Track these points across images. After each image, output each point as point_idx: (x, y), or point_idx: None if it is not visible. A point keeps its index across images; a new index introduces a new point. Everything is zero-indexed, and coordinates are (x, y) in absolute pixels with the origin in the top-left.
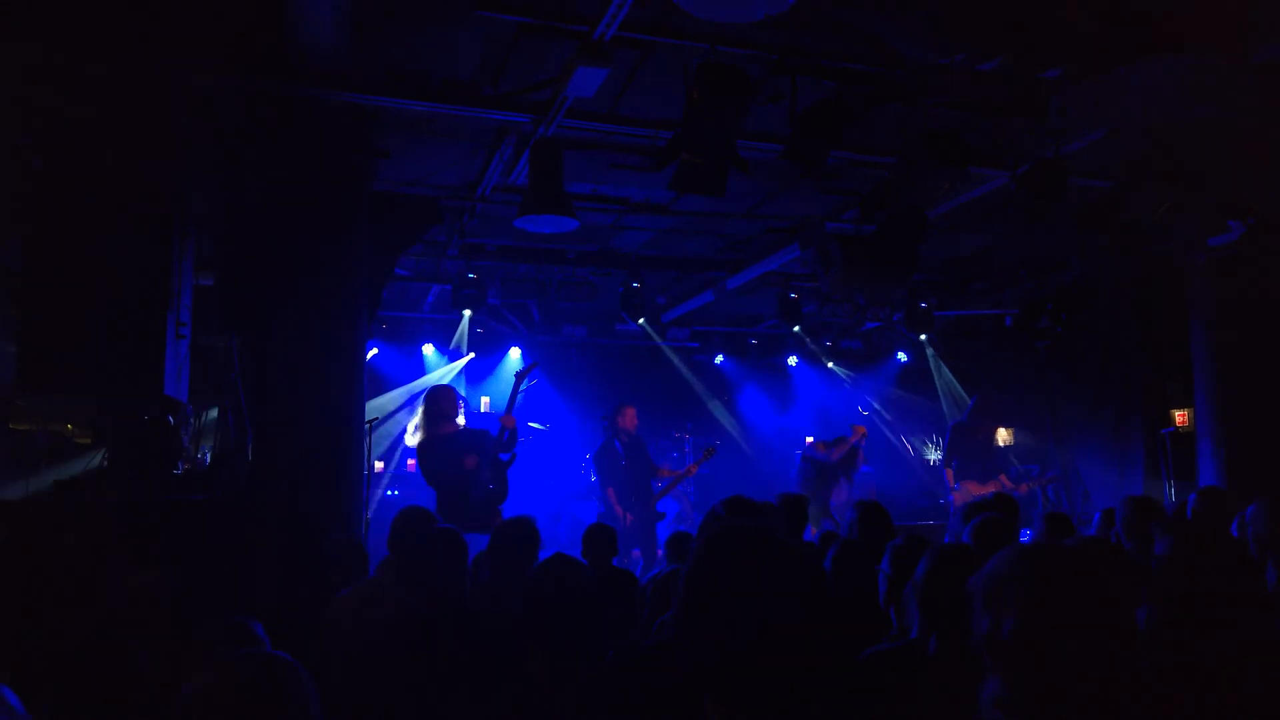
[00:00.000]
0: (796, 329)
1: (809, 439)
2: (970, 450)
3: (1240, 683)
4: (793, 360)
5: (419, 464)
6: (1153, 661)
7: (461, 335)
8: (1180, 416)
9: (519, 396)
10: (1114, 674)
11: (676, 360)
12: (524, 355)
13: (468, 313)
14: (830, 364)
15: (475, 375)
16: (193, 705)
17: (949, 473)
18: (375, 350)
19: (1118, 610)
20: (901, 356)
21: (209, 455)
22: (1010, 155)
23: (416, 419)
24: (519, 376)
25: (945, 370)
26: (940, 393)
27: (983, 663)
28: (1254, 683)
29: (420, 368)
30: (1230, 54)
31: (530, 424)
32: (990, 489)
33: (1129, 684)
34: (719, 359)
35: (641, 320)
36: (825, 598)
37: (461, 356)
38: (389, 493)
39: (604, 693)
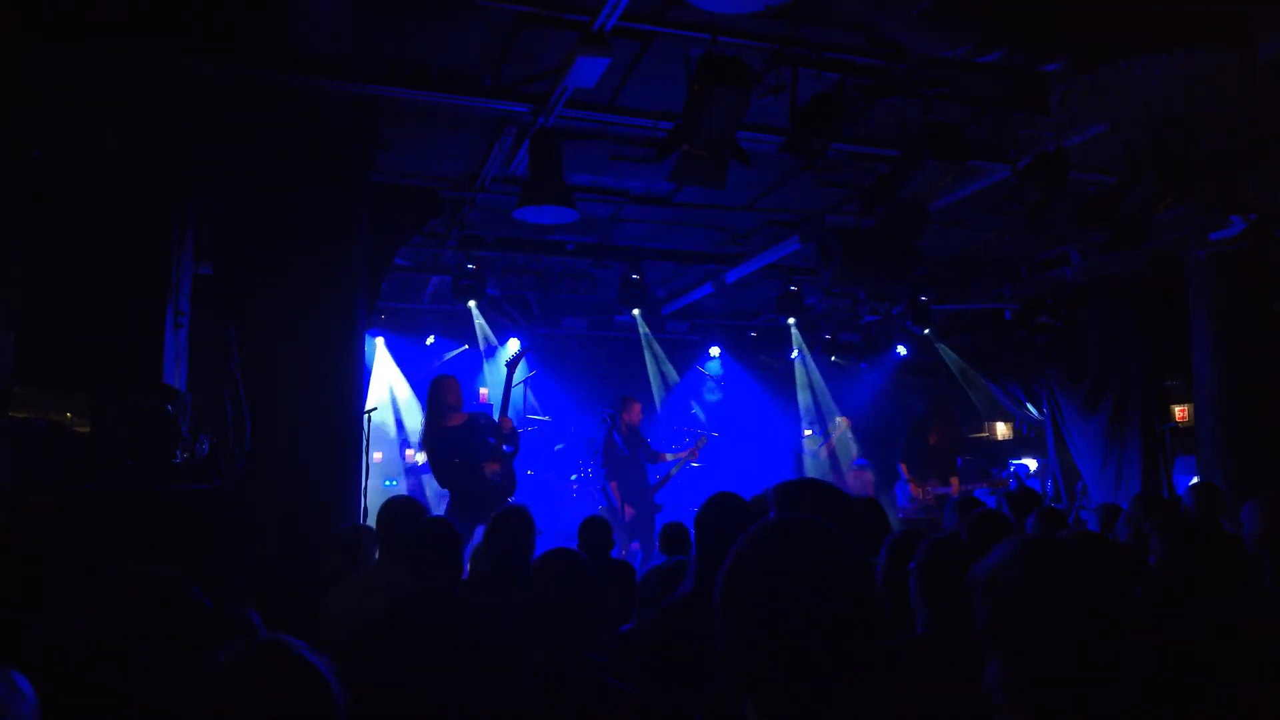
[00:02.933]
0: (791, 321)
1: (807, 432)
2: (922, 451)
3: (1237, 676)
4: (794, 353)
5: (428, 458)
6: (1152, 653)
7: (482, 330)
8: (1180, 412)
9: (512, 392)
10: (1107, 659)
11: (643, 346)
12: (522, 346)
13: (473, 304)
14: (834, 358)
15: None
16: (226, 689)
17: (903, 466)
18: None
19: (1108, 598)
20: (901, 350)
21: (207, 444)
22: (1011, 149)
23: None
24: (510, 367)
25: (965, 365)
26: (964, 386)
27: (983, 648)
28: (1251, 677)
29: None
30: (1234, 48)
31: (530, 416)
32: (937, 488)
33: (1123, 669)
34: (715, 351)
35: (637, 311)
36: (874, 592)
37: (493, 350)
38: (386, 483)
39: (603, 681)
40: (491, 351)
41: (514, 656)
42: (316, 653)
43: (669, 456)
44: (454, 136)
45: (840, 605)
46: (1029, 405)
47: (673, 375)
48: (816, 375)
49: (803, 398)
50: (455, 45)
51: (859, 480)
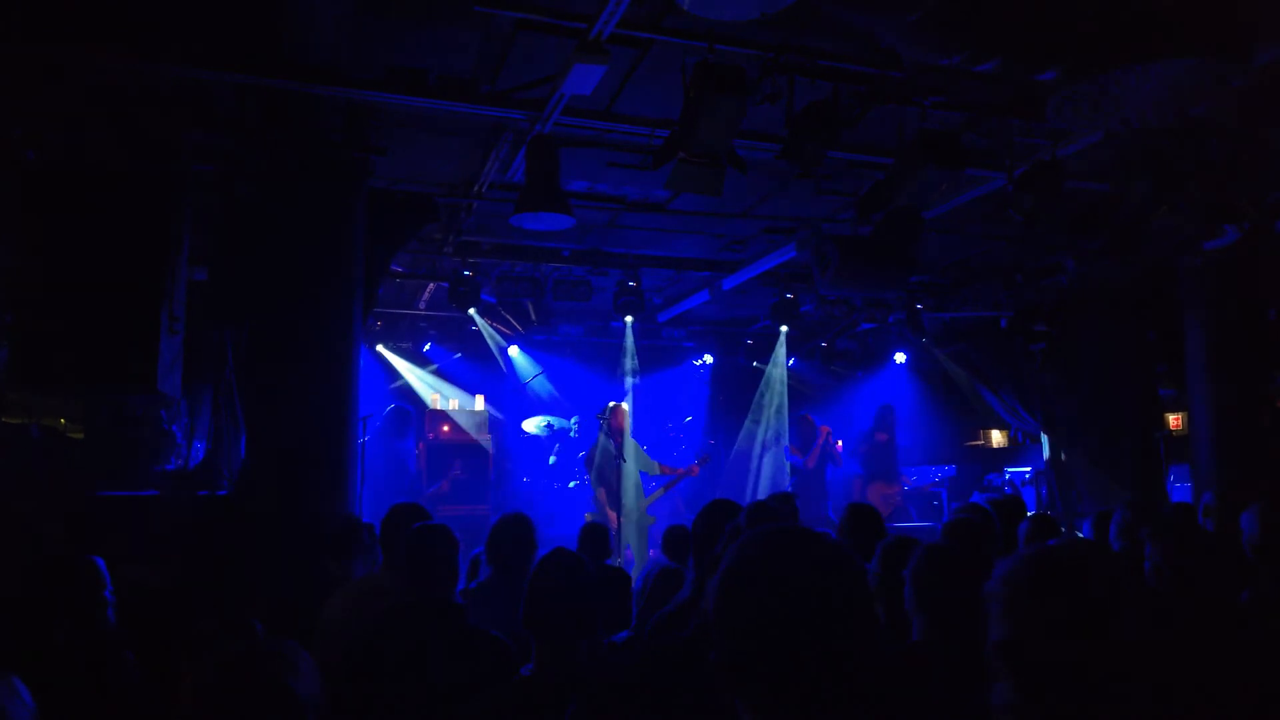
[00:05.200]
0: (784, 330)
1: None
2: (875, 455)
3: (1237, 685)
4: (790, 361)
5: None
6: (1152, 662)
7: (489, 335)
8: (1174, 420)
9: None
10: (1120, 678)
11: (624, 355)
12: (523, 353)
13: (473, 311)
14: (831, 366)
15: (466, 374)
16: (199, 695)
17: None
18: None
19: (1124, 614)
20: (900, 358)
21: (202, 451)
22: (1007, 157)
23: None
24: None
25: (961, 372)
26: (966, 393)
27: (992, 667)
28: (1251, 685)
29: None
30: (1228, 57)
31: (537, 421)
32: (895, 489)
33: (1136, 686)
34: (708, 359)
35: (629, 319)
36: (868, 599)
37: (506, 352)
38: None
39: (600, 685)
40: (509, 365)
41: (511, 660)
42: (302, 652)
43: (667, 469)
44: (451, 143)
45: (835, 611)
46: (1024, 412)
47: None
48: (779, 385)
49: (804, 406)
50: (452, 52)
51: (853, 491)
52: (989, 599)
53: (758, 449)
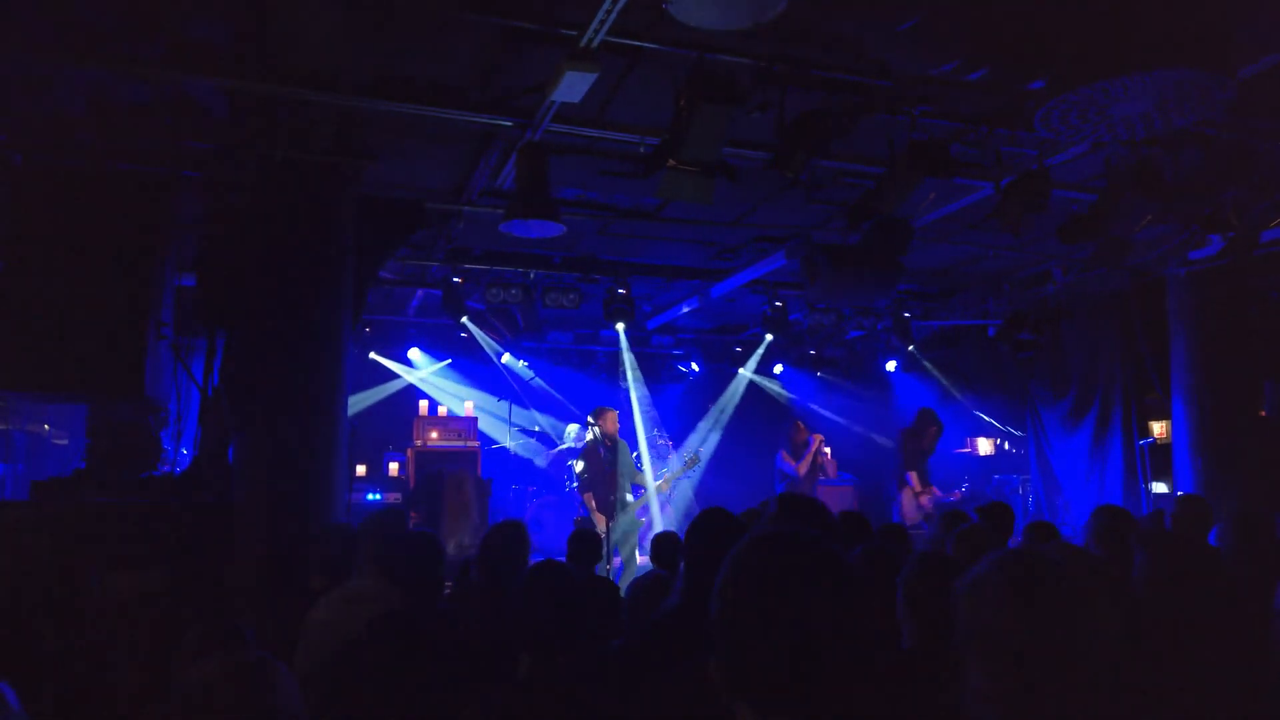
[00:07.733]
0: (769, 338)
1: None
2: (913, 453)
3: (1218, 690)
4: (779, 368)
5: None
6: (1132, 667)
7: (486, 343)
8: (1159, 428)
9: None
10: (1087, 670)
11: (624, 364)
12: (514, 359)
13: (466, 319)
14: (819, 373)
15: (456, 380)
16: (180, 705)
17: (913, 476)
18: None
19: (1090, 610)
20: (891, 366)
21: (190, 457)
22: (995, 167)
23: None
24: None
25: (948, 380)
26: (954, 401)
27: (964, 658)
28: (1231, 690)
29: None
30: (1214, 68)
31: (518, 432)
32: (927, 493)
33: (1102, 681)
34: (695, 366)
35: (620, 326)
36: (867, 605)
37: (500, 358)
38: (369, 496)
39: (592, 691)
40: (509, 370)
41: (498, 667)
42: (281, 667)
43: (654, 482)
44: (441, 150)
45: (834, 615)
46: (1010, 420)
47: (644, 393)
48: (734, 396)
49: (798, 413)
50: (443, 59)
51: (843, 497)
52: (957, 597)
53: (705, 453)
